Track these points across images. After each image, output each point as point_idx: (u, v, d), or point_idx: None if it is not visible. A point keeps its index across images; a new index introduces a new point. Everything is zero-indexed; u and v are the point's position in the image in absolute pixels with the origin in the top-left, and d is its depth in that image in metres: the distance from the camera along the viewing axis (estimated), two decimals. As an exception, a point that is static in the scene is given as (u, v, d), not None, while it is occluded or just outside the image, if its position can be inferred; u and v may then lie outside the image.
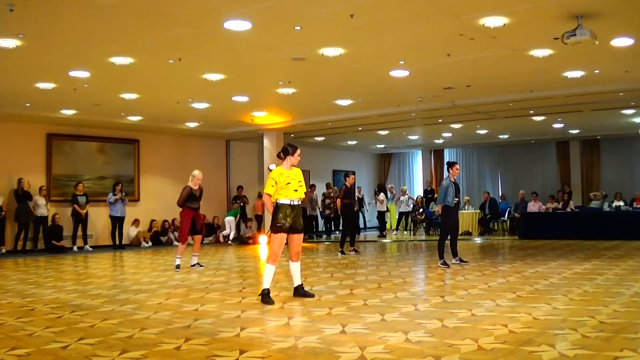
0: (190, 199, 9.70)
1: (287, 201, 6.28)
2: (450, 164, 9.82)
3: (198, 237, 10.05)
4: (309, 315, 5.44)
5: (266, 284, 6.25)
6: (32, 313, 5.83)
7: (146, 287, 7.62)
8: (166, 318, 5.43)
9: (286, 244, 6.40)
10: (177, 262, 9.73)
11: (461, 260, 9.67)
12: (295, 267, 6.51)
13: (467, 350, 4.01)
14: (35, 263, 11.57)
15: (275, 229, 6.26)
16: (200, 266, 9.90)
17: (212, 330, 4.83)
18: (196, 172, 9.87)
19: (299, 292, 6.50)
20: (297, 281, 6.55)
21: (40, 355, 4.13)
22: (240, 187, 18.27)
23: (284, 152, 6.57)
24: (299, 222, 6.39)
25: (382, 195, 18.99)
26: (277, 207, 6.27)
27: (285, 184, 6.31)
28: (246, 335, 4.65)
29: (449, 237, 9.75)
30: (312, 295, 6.47)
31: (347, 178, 12.38)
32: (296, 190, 6.33)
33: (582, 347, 4.02)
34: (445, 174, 9.98)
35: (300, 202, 6.43)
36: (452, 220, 9.73)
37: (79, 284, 8.09)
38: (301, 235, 6.48)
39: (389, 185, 20.92)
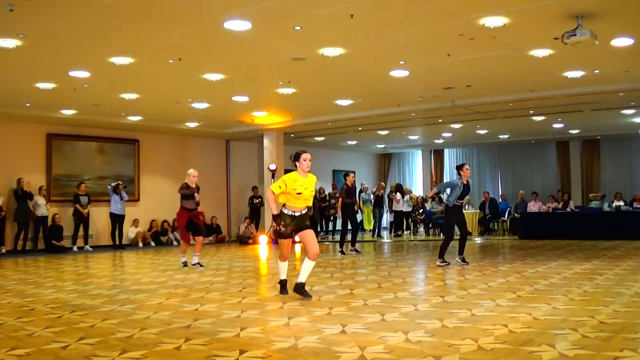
0: (186, 197, 9.63)
1: (289, 212, 6.26)
2: (459, 167, 9.63)
3: (199, 238, 9.92)
4: (309, 315, 5.44)
5: (282, 275, 6.62)
6: (32, 313, 5.82)
7: (146, 287, 7.61)
8: (166, 318, 5.43)
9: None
10: (183, 259, 9.87)
11: (463, 260, 9.62)
12: (307, 265, 6.34)
13: (467, 350, 4.01)
14: (35, 263, 11.57)
15: (278, 235, 6.40)
16: (201, 266, 9.86)
17: (212, 330, 4.83)
18: (191, 170, 9.81)
19: (299, 289, 6.39)
20: (301, 278, 6.37)
21: (40, 355, 4.13)
22: (255, 187, 18.29)
23: (294, 158, 6.44)
24: (304, 222, 6.36)
25: (398, 195, 19.09)
26: (281, 214, 6.29)
27: (296, 193, 6.18)
28: (246, 335, 4.64)
29: (451, 238, 9.65)
30: (309, 297, 6.32)
31: (347, 177, 12.36)
32: (306, 199, 6.30)
33: (582, 347, 4.02)
34: (451, 175, 9.94)
35: (306, 210, 6.38)
36: (452, 221, 9.69)
37: (79, 284, 8.09)
38: (312, 232, 6.38)
39: (365, 185, 20.71)
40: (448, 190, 9.77)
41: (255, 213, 17.92)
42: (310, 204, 6.43)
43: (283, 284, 6.64)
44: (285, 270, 6.66)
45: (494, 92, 12.31)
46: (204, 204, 11.89)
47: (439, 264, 9.33)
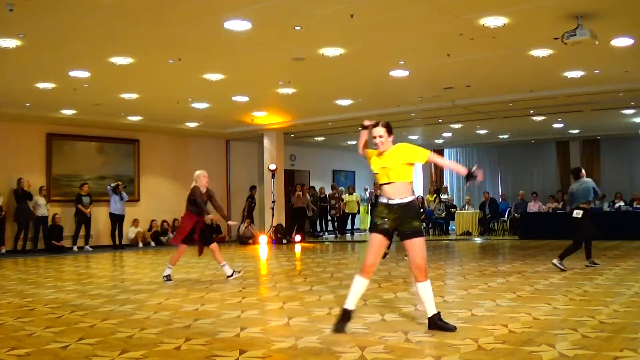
0: (194, 203, 8.09)
1: (382, 199, 4.64)
2: (580, 170, 9.53)
3: (215, 246, 8.34)
4: (309, 315, 5.44)
5: (349, 302, 4.63)
6: (32, 313, 5.82)
7: (146, 287, 7.61)
8: (166, 318, 5.43)
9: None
10: (168, 271, 8.19)
11: (594, 263, 9.08)
12: (421, 289, 4.78)
13: (467, 350, 4.01)
14: (35, 263, 11.56)
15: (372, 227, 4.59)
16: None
17: (212, 330, 4.83)
18: (200, 172, 8.21)
19: (435, 323, 4.64)
20: (429, 309, 4.70)
21: (40, 355, 4.13)
22: (253, 187, 18.23)
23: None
24: (405, 224, 4.64)
25: None
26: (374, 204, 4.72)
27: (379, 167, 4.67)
28: (246, 335, 4.65)
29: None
30: (452, 329, 4.58)
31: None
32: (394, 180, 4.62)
33: (582, 347, 4.02)
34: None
35: (401, 201, 4.64)
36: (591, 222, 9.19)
37: (79, 284, 8.09)
38: (414, 241, 4.64)
39: (364, 186, 20.73)
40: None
41: (250, 213, 17.91)
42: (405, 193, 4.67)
43: (347, 316, 4.65)
44: (359, 295, 4.77)
45: (494, 92, 12.30)
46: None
47: (589, 264, 8.86)
